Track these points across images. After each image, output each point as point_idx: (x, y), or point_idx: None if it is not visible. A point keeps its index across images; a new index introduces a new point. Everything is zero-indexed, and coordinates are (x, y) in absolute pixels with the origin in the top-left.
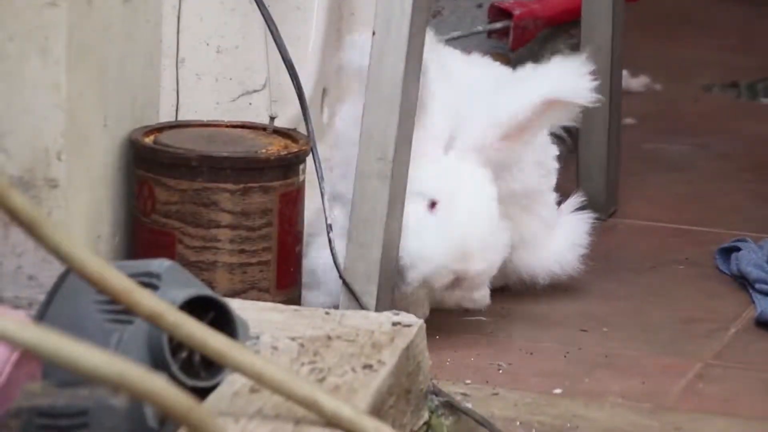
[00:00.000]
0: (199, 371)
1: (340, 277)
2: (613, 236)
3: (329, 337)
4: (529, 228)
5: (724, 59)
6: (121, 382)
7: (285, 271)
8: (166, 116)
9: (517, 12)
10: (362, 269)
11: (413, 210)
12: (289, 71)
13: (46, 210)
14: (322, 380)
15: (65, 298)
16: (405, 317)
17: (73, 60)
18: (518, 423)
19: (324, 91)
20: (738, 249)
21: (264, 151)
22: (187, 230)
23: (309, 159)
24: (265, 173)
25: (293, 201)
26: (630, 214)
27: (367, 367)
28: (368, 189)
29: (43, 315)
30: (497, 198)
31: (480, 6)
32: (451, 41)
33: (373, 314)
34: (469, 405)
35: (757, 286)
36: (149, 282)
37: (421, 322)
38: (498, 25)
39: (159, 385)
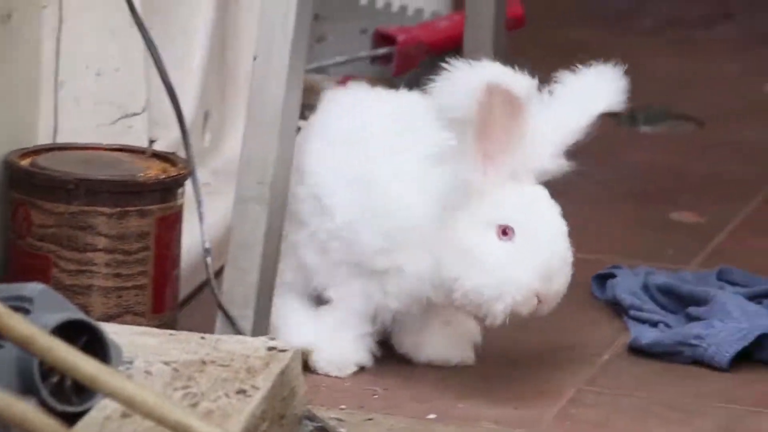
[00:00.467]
0: (71, 396)
1: (217, 301)
2: None
3: (204, 362)
4: None
5: None
6: None
7: (161, 295)
8: (44, 139)
9: (400, 38)
10: (240, 293)
11: (483, 240)
12: (169, 94)
13: None
14: (195, 405)
15: None
16: (280, 342)
17: None
18: None
19: (206, 115)
20: (613, 276)
21: (142, 174)
22: (63, 254)
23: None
24: (143, 197)
25: (171, 225)
26: None
27: (241, 392)
28: (247, 213)
29: None
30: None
31: (364, 31)
32: (334, 66)
33: (248, 339)
34: (343, 430)
35: (631, 312)
36: (21, 306)
37: (296, 347)
38: (382, 51)
39: (26, 411)
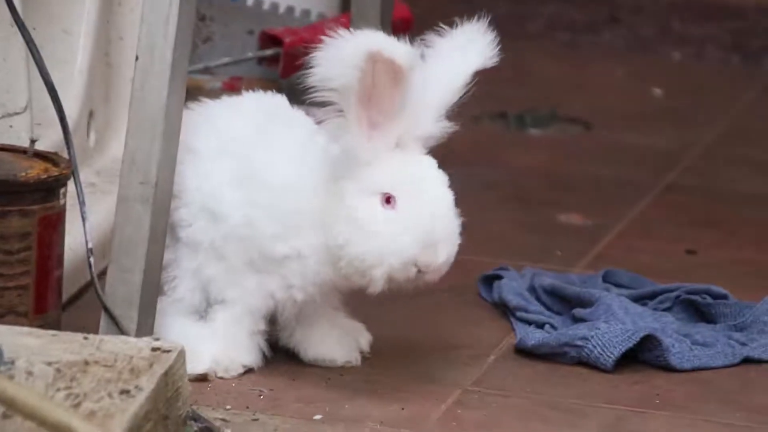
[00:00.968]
0: None
1: (100, 302)
2: None
3: (87, 362)
4: None
5: (494, 91)
6: None
7: (44, 295)
8: None
9: (287, 39)
10: (123, 293)
11: (367, 208)
12: (50, 94)
13: None
14: (77, 406)
15: None
16: (165, 342)
17: None
18: None
19: (91, 114)
20: (500, 277)
21: (23, 174)
22: None
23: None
24: (25, 197)
25: (53, 225)
26: None
27: (125, 392)
28: (130, 213)
29: None
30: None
31: (251, 32)
32: (221, 67)
33: (132, 339)
34: (228, 431)
35: (517, 314)
36: None
37: (181, 347)
38: (268, 52)
39: None
